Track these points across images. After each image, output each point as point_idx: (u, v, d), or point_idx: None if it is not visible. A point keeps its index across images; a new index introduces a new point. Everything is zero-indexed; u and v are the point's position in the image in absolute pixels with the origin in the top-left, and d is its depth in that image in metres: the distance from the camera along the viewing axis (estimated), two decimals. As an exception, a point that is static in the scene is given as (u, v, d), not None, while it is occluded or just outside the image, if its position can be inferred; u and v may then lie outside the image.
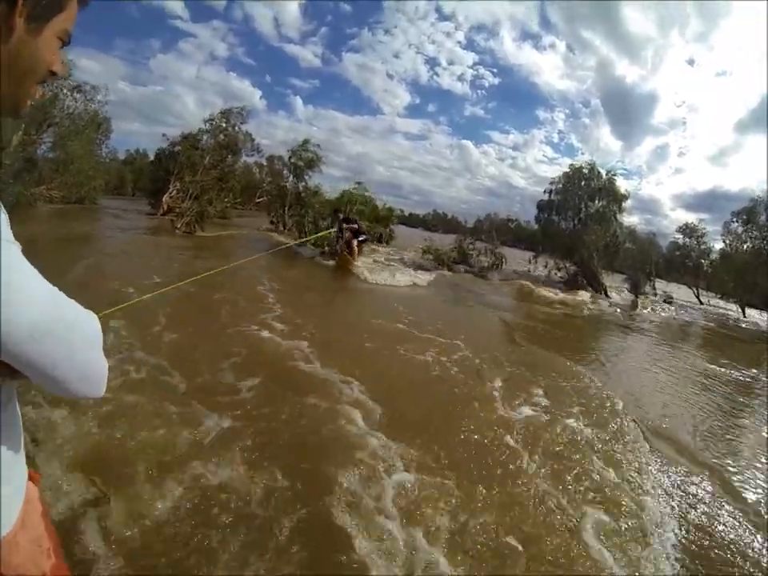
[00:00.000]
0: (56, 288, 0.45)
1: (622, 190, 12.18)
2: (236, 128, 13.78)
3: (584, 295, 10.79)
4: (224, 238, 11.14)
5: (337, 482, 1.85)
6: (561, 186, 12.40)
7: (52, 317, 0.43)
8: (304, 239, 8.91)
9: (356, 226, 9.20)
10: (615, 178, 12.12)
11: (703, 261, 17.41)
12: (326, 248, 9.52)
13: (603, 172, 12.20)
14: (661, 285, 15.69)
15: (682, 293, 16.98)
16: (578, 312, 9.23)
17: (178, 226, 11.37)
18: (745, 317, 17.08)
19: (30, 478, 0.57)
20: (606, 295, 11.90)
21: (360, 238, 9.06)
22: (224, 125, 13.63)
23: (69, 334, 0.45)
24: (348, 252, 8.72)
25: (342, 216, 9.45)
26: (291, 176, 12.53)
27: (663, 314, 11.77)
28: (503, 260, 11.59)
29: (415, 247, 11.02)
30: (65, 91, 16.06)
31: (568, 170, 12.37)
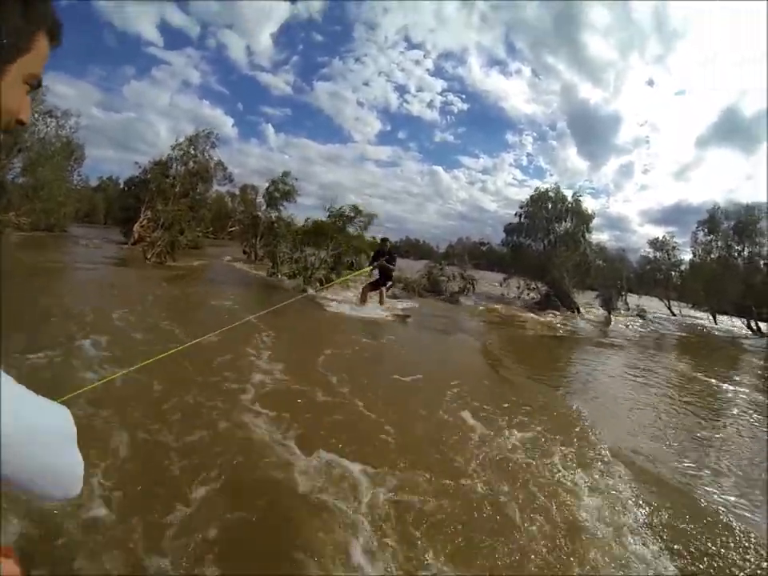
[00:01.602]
0: (21, 386, 0.39)
1: (589, 211, 12.58)
2: (205, 154, 13.71)
3: (556, 315, 10.94)
4: (196, 269, 10.96)
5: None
6: (529, 209, 12.68)
7: (21, 427, 0.37)
8: (342, 279, 8.07)
9: (393, 267, 7.89)
10: (581, 199, 12.53)
11: (673, 273, 17.98)
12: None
13: (569, 194, 12.61)
14: (633, 299, 16.07)
15: (654, 305, 17.42)
16: (551, 332, 9.31)
17: (149, 256, 11.17)
18: (716, 324, 17.61)
19: None
20: (579, 313, 12.10)
21: (388, 284, 7.92)
22: (192, 151, 13.54)
23: (40, 442, 0.40)
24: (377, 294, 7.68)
25: (388, 247, 8.01)
26: (266, 205, 12.52)
27: (636, 328, 12.01)
28: (473, 284, 11.66)
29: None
30: (36, 116, 15.85)
31: (534, 194, 12.73)
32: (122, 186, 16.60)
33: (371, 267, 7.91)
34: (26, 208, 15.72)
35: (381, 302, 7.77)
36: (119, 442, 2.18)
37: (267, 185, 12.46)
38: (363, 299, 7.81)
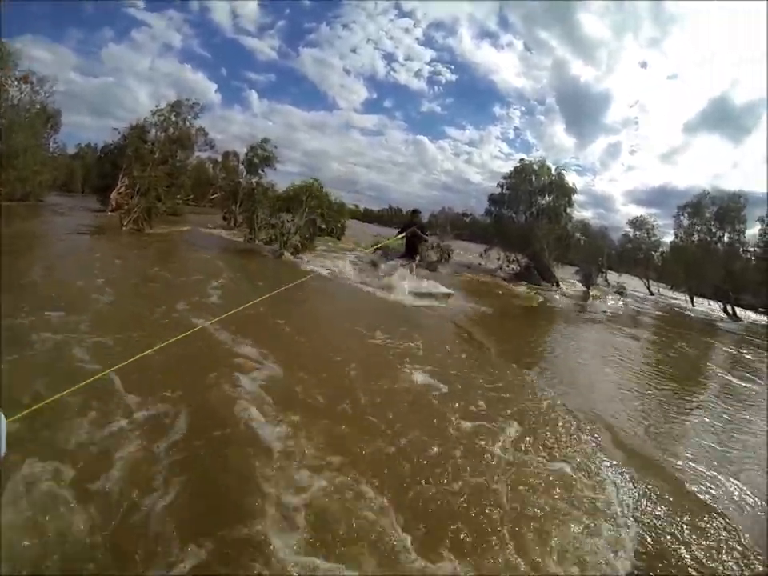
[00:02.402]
0: None
1: (570, 184, 12.57)
2: (187, 122, 13.26)
3: (535, 287, 11.04)
4: (172, 235, 10.77)
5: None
6: (512, 180, 12.61)
7: None
8: (375, 247, 7.87)
9: (426, 238, 7.63)
10: (564, 172, 12.51)
11: (654, 253, 18.25)
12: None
13: (553, 168, 12.59)
14: (613, 276, 16.29)
15: (633, 283, 17.70)
16: (528, 303, 9.41)
17: (125, 223, 10.94)
18: (693, 306, 18.05)
19: None
20: (558, 287, 12.23)
21: (416, 259, 7.45)
22: (173, 118, 13.09)
23: None
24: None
25: (418, 218, 7.76)
26: (245, 172, 12.27)
27: (613, 305, 12.21)
28: (449, 253, 11.60)
29: (365, 243, 10.91)
30: (10, 81, 15.18)
31: (518, 165, 12.67)
32: (98, 153, 16.03)
33: (401, 236, 7.54)
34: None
35: (411, 272, 7.20)
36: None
37: (246, 150, 12.16)
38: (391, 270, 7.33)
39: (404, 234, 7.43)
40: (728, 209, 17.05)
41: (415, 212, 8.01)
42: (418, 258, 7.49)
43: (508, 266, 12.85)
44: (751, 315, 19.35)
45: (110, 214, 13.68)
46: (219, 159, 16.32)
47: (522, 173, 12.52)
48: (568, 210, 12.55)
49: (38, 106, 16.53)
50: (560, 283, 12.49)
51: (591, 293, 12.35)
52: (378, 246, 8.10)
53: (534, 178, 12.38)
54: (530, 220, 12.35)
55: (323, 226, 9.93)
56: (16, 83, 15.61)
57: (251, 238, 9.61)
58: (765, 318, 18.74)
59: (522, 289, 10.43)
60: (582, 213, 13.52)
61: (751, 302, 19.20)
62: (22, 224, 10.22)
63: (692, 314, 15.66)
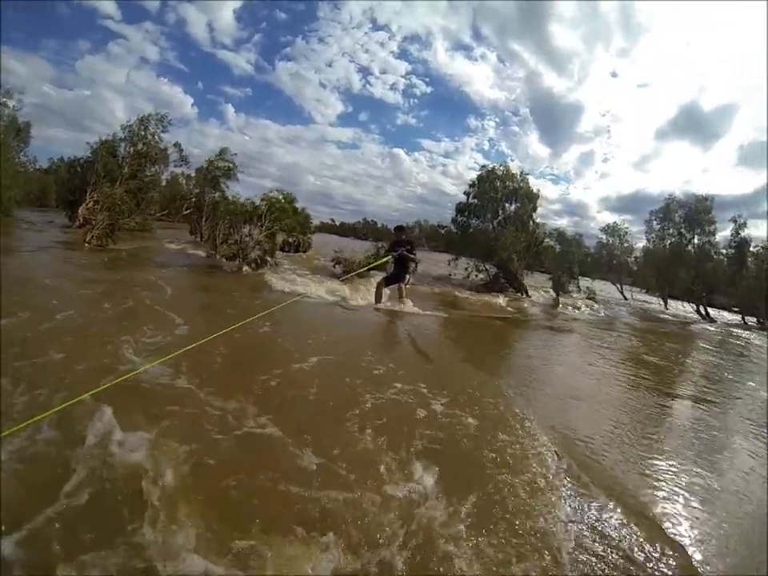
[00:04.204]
0: None
1: (535, 190, 12.66)
2: (155, 136, 13.19)
3: (503, 297, 11.05)
4: (135, 251, 10.63)
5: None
6: (477, 189, 12.64)
7: None
8: (362, 269, 7.58)
9: (414, 256, 6.95)
10: (528, 177, 12.59)
11: (628, 258, 18.57)
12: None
13: (518, 173, 12.66)
14: (587, 283, 16.47)
15: (607, 289, 17.92)
16: (497, 313, 9.41)
17: (87, 239, 10.79)
18: (667, 308, 18.37)
19: None
20: (527, 295, 12.30)
21: (407, 279, 6.90)
22: (143, 132, 13.03)
23: None
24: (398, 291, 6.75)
25: (404, 237, 7.20)
26: (208, 185, 12.18)
27: (583, 311, 12.31)
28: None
29: (330, 256, 10.82)
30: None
31: (482, 173, 12.70)
32: (68, 167, 15.85)
33: (389, 257, 7.11)
34: (-34, 193, 14.84)
35: (400, 298, 6.67)
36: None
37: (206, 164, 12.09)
38: (378, 297, 6.80)
39: (392, 255, 6.97)
40: (696, 211, 17.47)
41: (401, 228, 7.54)
42: (408, 278, 6.98)
43: (476, 276, 12.86)
44: (725, 315, 19.73)
45: (77, 229, 13.50)
46: (193, 174, 16.26)
47: (485, 180, 12.56)
48: (534, 216, 12.65)
49: (5, 119, 16.25)
50: (528, 291, 12.55)
51: (561, 300, 12.43)
52: (366, 267, 7.76)
53: (499, 185, 12.43)
54: (497, 228, 12.39)
55: (291, 240, 9.86)
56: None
57: (213, 253, 9.52)
58: (737, 317, 19.16)
59: (489, 299, 10.44)
60: (557, 221, 13.68)
61: (722, 303, 19.62)
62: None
63: (665, 317, 15.88)
